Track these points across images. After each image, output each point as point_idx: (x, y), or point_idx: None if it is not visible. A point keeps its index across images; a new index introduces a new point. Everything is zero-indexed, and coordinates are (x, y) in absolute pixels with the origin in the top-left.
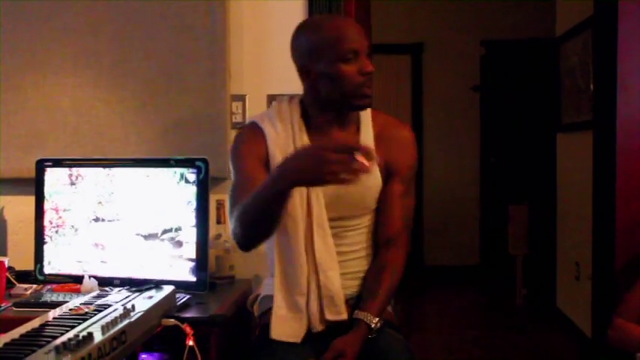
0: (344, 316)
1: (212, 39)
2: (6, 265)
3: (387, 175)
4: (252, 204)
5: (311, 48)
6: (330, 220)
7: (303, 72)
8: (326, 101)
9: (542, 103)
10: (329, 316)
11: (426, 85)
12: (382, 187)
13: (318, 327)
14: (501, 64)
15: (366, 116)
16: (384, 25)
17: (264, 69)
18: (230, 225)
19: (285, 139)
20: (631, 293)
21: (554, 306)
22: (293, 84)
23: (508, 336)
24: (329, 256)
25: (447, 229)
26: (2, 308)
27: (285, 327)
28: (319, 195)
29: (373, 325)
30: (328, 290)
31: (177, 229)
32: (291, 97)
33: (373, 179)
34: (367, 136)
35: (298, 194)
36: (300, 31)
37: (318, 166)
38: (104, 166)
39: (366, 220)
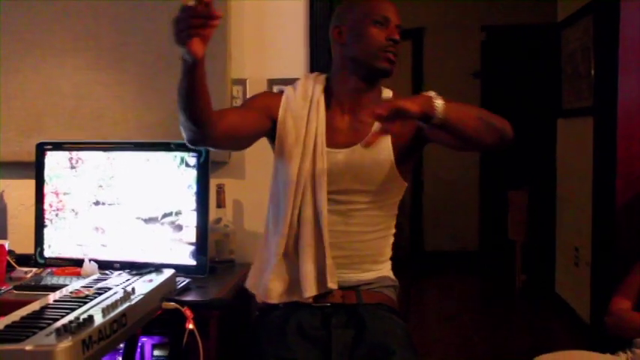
0: (332, 285)
1: None
2: (6, 249)
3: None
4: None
5: (347, 8)
6: (335, 192)
7: (335, 33)
8: (352, 63)
9: (542, 88)
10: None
11: (427, 70)
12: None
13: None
14: (502, 49)
15: (388, 96)
16: None
17: (265, 53)
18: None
19: (301, 109)
20: (628, 279)
21: (553, 291)
22: (293, 68)
23: (507, 321)
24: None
25: (447, 214)
26: (2, 291)
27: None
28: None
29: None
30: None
31: (178, 213)
32: (319, 74)
33: (384, 153)
34: None
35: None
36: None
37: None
38: (104, 150)
39: (376, 200)
